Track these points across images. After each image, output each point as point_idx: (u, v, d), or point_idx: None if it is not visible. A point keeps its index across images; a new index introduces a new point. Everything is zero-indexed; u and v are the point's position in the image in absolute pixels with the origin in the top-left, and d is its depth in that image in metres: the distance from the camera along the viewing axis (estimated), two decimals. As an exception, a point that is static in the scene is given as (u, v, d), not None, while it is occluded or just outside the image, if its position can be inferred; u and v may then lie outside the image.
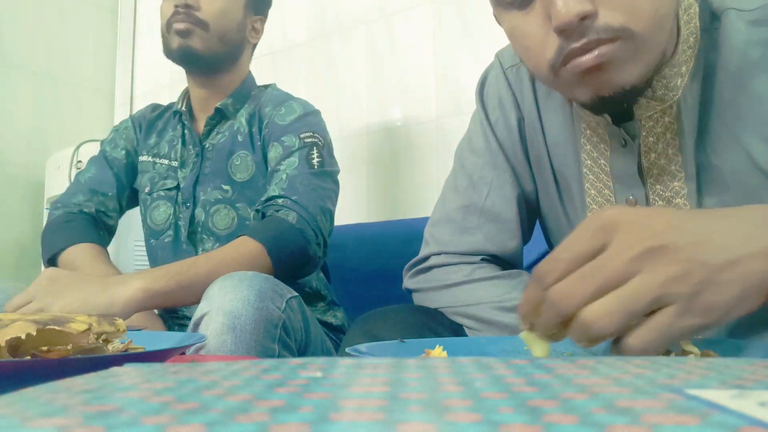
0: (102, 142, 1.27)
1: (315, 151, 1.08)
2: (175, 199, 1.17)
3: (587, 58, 0.51)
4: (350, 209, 1.71)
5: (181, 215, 1.16)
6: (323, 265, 1.23)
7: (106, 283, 0.84)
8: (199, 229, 1.14)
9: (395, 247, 1.40)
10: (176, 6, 1.09)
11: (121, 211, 1.25)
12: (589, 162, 0.65)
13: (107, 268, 1.05)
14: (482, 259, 0.70)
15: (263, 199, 1.06)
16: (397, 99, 1.67)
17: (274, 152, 1.10)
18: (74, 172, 1.84)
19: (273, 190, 1.05)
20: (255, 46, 1.24)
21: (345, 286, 1.33)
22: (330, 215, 1.08)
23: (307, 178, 1.05)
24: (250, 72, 1.24)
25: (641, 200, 0.62)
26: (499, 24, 0.60)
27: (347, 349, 0.44)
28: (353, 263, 1.45)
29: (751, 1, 0.57)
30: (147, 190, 1.20)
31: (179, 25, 1.09)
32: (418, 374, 0.20)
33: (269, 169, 1.10)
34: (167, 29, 1.12)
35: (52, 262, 1.10)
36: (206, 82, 1.16)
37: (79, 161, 1.85)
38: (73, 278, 0.85)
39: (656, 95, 0.58)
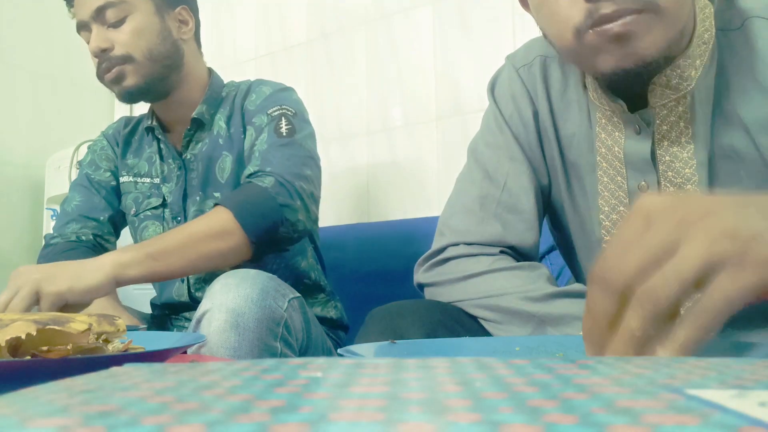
0: (81, 165, 1.22)
1: (283, 120, 1.05)
2: (162, 216, 1.14)
3: (616, 25, 0.53)
4: (350, 209, 1.71)
5: None
6: (318, 257, 1.21)
7: (80, 262, 0.84)
8: None
9: (395, 247, 1.41)
10: (93, 55, 1.05)
11: (117, 234, 1.20)
12: (603, 150, 0.68)
13: (111, 301, 1.01)
14: (501, 251, 0.69)
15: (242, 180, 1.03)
16: (397, 99, 1.67)
17: (248, 137, 1.08)
18: (74, 172, 1.84)
19: (248, 170, 1.03)
20: (198, 38, 1.16)
21: (345, 286, 1.33)
22: (310, 180, 1.03)
23: (279, 149, 1.02)
24: (210, 70, 1.18)
25: (653, 185, 0.64)
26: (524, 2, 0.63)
27: (338, 351, 0.44)
28: (353, 263, 1.45)
29: None
30: (133, 211, 1.16)
31: (109, 75, 1.04)
32: (418, 374, 0.20)
33: (245, 155, 1.08)
34: (100, 78, 1.07)
35: None
36: (164, 102, 1.11)
37: (80, 161, 1.85)
38: (47, 264, 0.85)
39: (671, 84, 0.60)
